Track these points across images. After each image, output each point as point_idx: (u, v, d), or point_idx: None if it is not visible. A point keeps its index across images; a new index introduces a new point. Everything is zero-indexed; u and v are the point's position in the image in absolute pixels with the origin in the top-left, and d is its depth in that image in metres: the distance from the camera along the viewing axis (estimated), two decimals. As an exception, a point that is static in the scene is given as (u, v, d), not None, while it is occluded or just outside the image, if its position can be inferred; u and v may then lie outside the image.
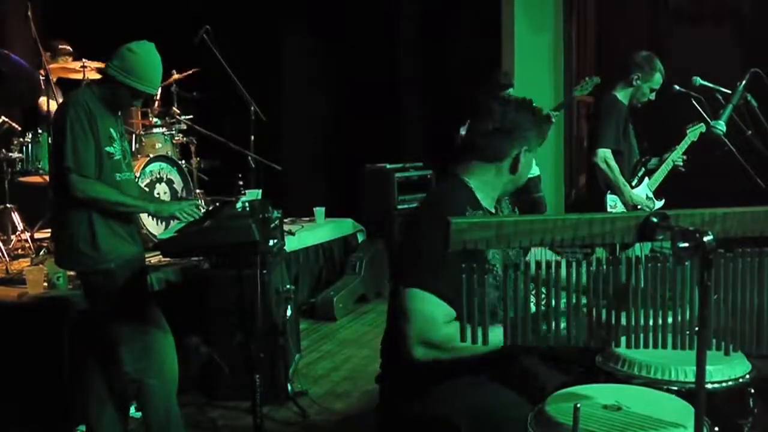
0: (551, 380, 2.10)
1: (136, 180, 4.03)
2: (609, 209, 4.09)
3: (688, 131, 4.25)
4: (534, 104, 2.23)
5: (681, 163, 4.33)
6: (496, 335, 1.47)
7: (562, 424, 1.59)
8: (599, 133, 4.13)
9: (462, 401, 1.99)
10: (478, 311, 1.43)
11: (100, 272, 2.93)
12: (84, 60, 5.03)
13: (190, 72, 5.50)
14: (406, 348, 1.93)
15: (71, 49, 5.42)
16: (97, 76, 4.60)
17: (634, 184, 4.21)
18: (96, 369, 3.10)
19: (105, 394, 3.09)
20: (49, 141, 4.69)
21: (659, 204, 4.30)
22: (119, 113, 3.11)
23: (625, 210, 4.10)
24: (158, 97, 5.47)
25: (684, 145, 4.27)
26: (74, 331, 3.45)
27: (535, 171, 5.91)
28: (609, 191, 4.13)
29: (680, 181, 4.37)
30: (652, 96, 4.23)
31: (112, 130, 2.99)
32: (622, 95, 4.21)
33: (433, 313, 1.92)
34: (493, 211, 2.21)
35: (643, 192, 4.23)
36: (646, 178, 4.28)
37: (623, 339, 1.50)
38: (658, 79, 4.18)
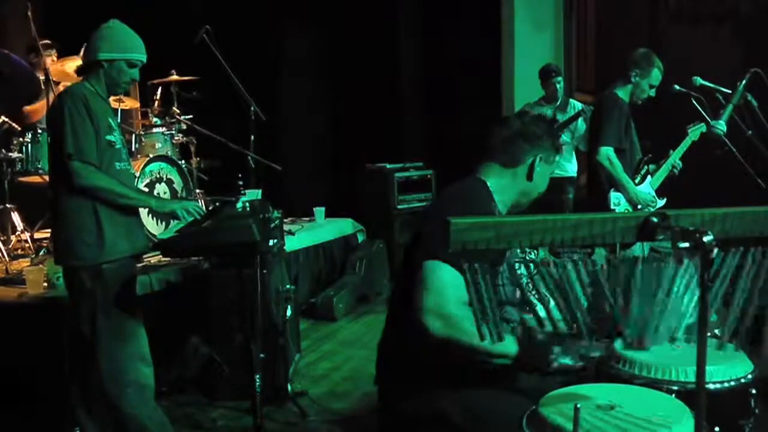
0: (551, 380, 2.10)
1: (136, 180, 4.03)
2: (612, 207, 4.09)
3: (689, 131, 4.26)
4: (548, 118, 2.31)
5: (678, 166, 4.33)
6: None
7: (555, 424, 1.59)
8: (602, 131, 4.14)
9: (460, 402, 2.00)
10: (490, 310, 1.43)
11: (92, 268, 2.89)
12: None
13: (192, 78, 5.51)
14: (420, 318, 1.91)
15: (49, 42, 5.36)
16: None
17: (636, 181, 4.22)
18: (80, 369, 3.07)
19: (91, 396, 3.05)
20: (49, 140, 4.69)
21: (661, 202, 4.30)
22: (117, 110, 3.10)
23: (629, 207, 4.10)
24: (158, 97, 5.47)
25: (685, 144, 4.28)
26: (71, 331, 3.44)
27: (570, 172, 5.97)
28: (612, 189, 4.13)
29: (681, 180, 4.36)
30: (652, 92, 4.24)
31: (110, 120, 2.99)
32: (622, 93, 4.23)
33: (453, 283, 1.89)
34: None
35: (646, 190, 4.23)
36: (649, 176, 4.29)
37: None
38: (656, 75, 4.20)
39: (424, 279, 1.95)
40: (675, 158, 4.30)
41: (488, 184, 2.22)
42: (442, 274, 1.93)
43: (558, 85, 5.95)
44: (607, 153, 4.09)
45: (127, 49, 2.99)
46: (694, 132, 4.25)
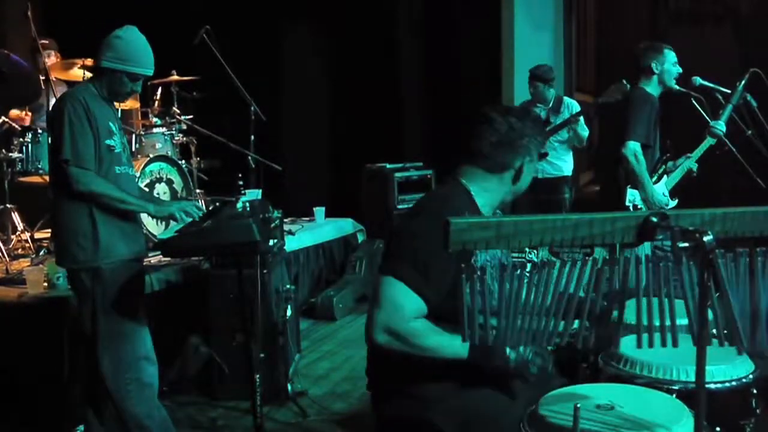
0: (552, 380, 2.09)
1: (137, 180, 4.02)
2: (628, 203, 4.03)
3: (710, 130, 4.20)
4: (534, 112, 2.24)
5: (694, 168, 4.28)
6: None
7: (555, 425, 1.59)
8: (630, 126, 4.00)
9: (452, 410, 1.99)
10: (479, 312, 1.43)
11: (90, 270, 2.89)
12: (83, 60, 5.02)
13: (192, 78, 5.51)
14: (369, 331, 2.00)
15: (47, 42, 5.33)
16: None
17: (653, 180, 4.16)
18: (83, 368, 3.07)
19: (97, 395, 3.05)
20: (49, 140, 4.70)
21: (673, 203, 4.25)
22: (118, 110, 3.10)
23: (644, 206, 4.03)
24: (158, 97, 5.47)
25: (705, 144, 4.20)
26: (73, 330, 3.44)
27: (565, 171, 5.93)
28: (629, 185, 4.06)
29: (681, 180, 4.35)
30: (678, 68, 4.12)
31: (111, 124, 2.98)
32: (650, 88, 4.12)
33: (404, 304, 1.94)
34: None
35: (661, 189, 4.19)
36: (665, 176, 4.23)
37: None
38: (670, 54, 4.11)
39: (379, 296, 1.97)
40: (694, 158, 4.23)
41: (470, 189, 2.15)
42: (397, 294, 1.94)
43: (542, 89, 5.77)
44: (634, 148, 3.98)
45: (130, 62, 2.95)
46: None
